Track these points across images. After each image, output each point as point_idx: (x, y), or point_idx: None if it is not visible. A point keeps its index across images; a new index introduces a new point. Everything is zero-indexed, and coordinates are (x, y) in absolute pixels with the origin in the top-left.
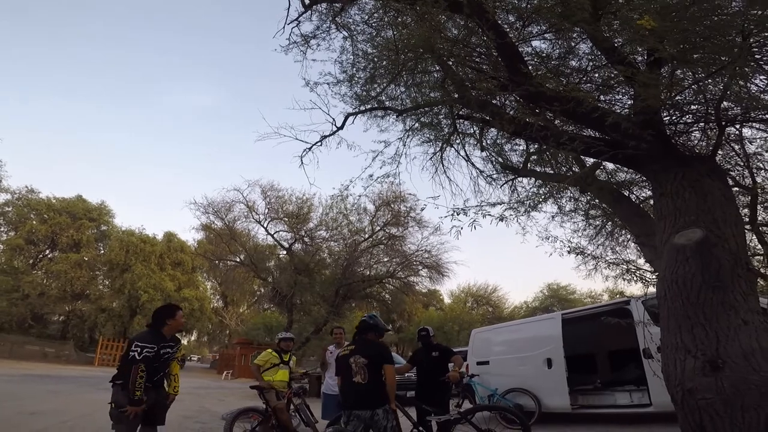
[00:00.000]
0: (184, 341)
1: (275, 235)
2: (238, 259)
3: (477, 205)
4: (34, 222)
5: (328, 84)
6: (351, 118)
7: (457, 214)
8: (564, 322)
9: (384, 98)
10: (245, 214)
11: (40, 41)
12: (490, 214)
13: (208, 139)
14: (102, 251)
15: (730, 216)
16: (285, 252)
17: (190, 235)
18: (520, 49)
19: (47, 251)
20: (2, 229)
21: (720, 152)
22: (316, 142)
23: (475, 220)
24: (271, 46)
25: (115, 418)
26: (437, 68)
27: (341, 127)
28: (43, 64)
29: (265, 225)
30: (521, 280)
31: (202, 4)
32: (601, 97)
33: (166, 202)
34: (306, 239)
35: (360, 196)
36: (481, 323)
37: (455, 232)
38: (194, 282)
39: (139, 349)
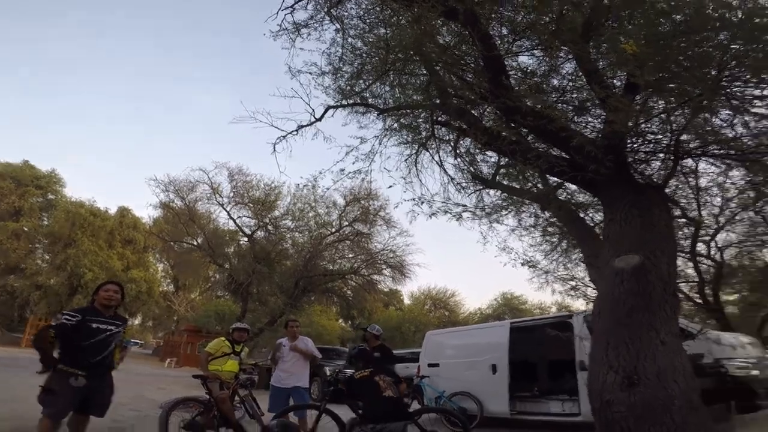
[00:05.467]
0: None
1: (238, 221)
2: (195, 242)
3: (442, 202)
4: None
5: (311, 74)
6: (331, 111)
7: (422, 204)
8: (512, 330)
9: (367, 95)
10: (208, 195)
11: None
12: (449, 212)
13: (179, 115)
14: (45, 222)
15: (668, 247)
16: (246, 239)
17: (146, 212)
18: (506, 62)
19: None
20: None
21: (675, 182)
22: (292, 131)
23: (434, 213)
24: (255, 29)
25: (42, 401)
26: (424, 72)
27: (320, 119)
28: None
29: (228, 209)
30: (478, 287)
31: None
32: (575, 119)
33: (124, 176)
34: (270, 227)
35: (329, 188)
36: (436, 326)
37: (411, 217)
38: (144, 262)
39: (60, 316)
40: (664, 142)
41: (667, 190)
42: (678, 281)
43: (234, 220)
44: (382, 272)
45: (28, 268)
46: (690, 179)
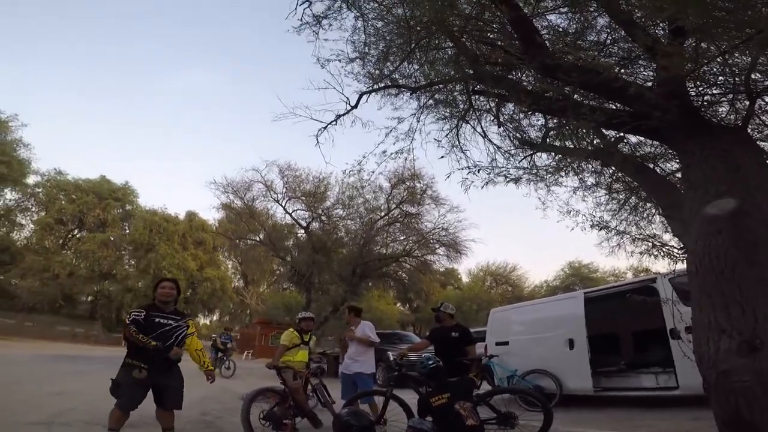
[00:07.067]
0: (206, 321)
1: (293, 214)
2: (257, 238)
3: (500, 167)
4: (63, 202)
5: (340, 61)
6: (365, 97)
7: (478, 171)
8: (586, 301)
9: (397, 76)
10: (263, 193)
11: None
12: (506, 176)
13: (226, 119)
14: (127, 231)
15: (766, 184)
16: (303, 231)
17: (210, 214)
18: (534, 23)
19: (75, 231)
20: (33, 209)
21: (751, 124)
22: (331, 122)
23: (490, 180)
24: (284, 26)
25: (112, 392)
26: (450, 45)
27: (355, 106)
28: (58, 53)
29: (283, 204)
30: (541, 258)
31: None
32: (622, 71)
33: (186, 181)
34: (323, 218)
35: (374, 172)
36: (500, 303)
37: (465, 187)
38: (215, 261)
39: (128, 315)
40: (732, 83)
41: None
42: None
43: (290, 214)
44: (435, 252)
45: (118, 273)
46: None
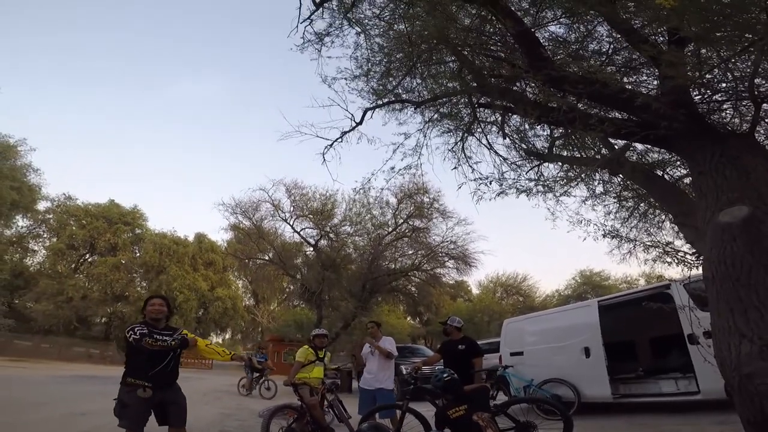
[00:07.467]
0: (218, 339)
1: (301, 232)
2: (266, 257)
3: (505, 179)
4: (74, 227)
5: (344, 79)
6: (369, 113)
7: (490, 183)
8: (601, 309)
9: (401, 91)
10: (271, 212)
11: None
12: (518, 188)
13: (232, 139)
14: (137, 254)
15: None
16: (312, 249)
17: (219, 235)
18: (536, 35)
19: (87, 255)
20: (45, 236)
21: (757, 129)
22: (337, 139)
23: (502, 192)
24: (287, 45)
25: (117, 414)
26: (453, 58)
27: (360, 123)
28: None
29: (291, 222)
30: (552, 268)
31: (215, 9)
32: (626, 79)
33: (195, 203)
34: (331, 235)
35: (382, 189)
36: (512, 313)
37: (477, 198)
38: (226, 281)
39: (130, 332)
40: (739, 89)
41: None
42: None
43: (298, 233)
44: (444, 265)
45: (131, 295)
46: None
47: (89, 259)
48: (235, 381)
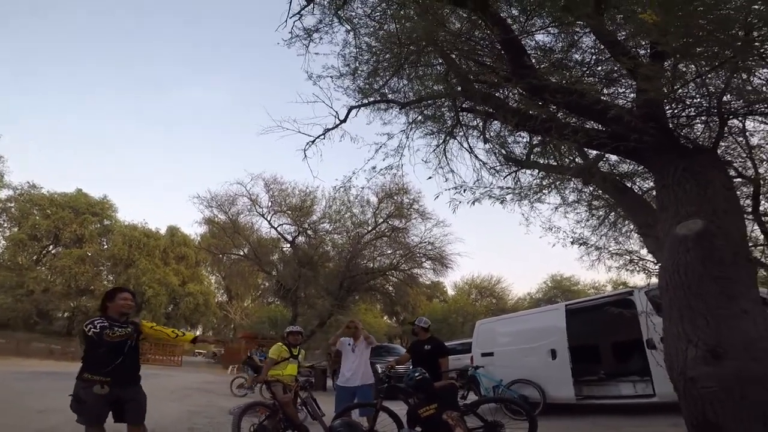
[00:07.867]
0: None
1: (279, 228)
2: (241, 253)
3: (483, 187)
4: (37, 217)
5: (331, 77)
6: (354, 111)
7: (464, 191)
8: (568, 313)
9: (387, 91)
10: (248, 207)
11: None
12: (492, 196)
13: (210, 132)
14: (105, 246)
15: (731, 207)
16: (289, 245)
17: (193, 229)
18: (523, 42)
19: (50, 247)
20: (5, 225)
21: (722, 144)
22: (319, 136)
23: (477, 200)
24: (274, 39)
25: (74, 410)
26: (440, 61)
27: (344, 120)
28: (40, 56)
29: (268, 218)
30: (524, 271)
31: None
32: (604, 90)
33: (168, 195)
34: (309, 232)
35: (363, 188)
36: (485, 315)
37: (453, 206)
38: (198, 276)
39: (90, 326)
40: (706, 105)
41: (718, 152)
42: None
43: (275, 228)
44: (422, 265)
45: (96, 289)
46: (740, 139)
47: (53, 251)
48: (207, 378)
